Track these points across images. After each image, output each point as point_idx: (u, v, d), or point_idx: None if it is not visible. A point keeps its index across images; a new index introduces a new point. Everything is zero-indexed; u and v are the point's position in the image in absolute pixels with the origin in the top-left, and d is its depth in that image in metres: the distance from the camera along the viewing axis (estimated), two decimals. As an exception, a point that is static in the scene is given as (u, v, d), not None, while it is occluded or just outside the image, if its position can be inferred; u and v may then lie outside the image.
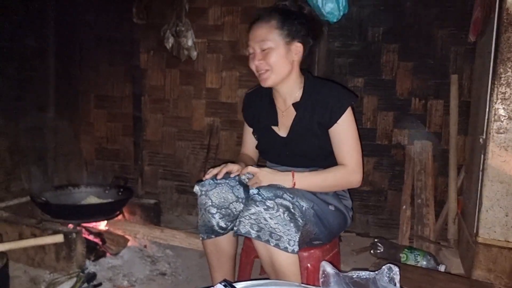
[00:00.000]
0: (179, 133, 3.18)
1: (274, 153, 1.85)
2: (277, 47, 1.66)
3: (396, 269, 1.38)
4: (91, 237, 2.34)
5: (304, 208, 1.54)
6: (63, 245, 2.11)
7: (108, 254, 2.33)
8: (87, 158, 3.39)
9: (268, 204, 1.47)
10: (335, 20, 2.56)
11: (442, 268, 2.24)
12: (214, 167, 1.71)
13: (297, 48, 1.70)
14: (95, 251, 2.27)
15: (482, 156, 1.93)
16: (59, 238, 2.02)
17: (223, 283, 1.39)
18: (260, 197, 1.49)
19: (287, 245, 1.47)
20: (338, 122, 1.67)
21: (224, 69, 3.03)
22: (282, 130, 1.80)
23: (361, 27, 2.77)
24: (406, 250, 2.36)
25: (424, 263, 2.29)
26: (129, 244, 2.47)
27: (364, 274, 1.40)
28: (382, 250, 2.45)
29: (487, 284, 1.81)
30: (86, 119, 3.35)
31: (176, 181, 3.22)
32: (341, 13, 2.54)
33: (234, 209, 1.69)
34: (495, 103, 1.85)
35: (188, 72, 3.10)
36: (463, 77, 2.64)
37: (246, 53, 2.93)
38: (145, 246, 2.50)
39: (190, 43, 2.96)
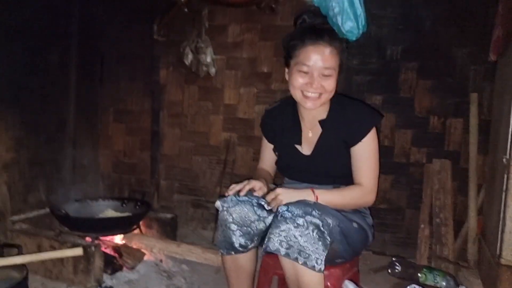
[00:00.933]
0: (196, 148, 3.20)
1: (296, 170, 1.85)
2: (334, 74, 1.66)
3: (420, 290, 1.37)
4: (108, 251, 2.34)
5: (331, 225, 1.53)
6: (82, 258, 2.12)
7: (124, 268, 2.33)
8: (104, 171, 3.41)
9: (298, 222, 1.46)
10: (354, 39, 2.54)
11: (462, 289, 2.20)
12: (236, 182, 1.71)
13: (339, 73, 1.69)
14: (112, 265, 2.28)
15: (506, 176, 1.91)
16: (79, 251, 2.03)
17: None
18: (290, 213, 1.48)
19: (315, 264, 1.46)
20: (362, 141, 1.68)
21: (242, 86, 3.05)
22: (305, 148, 1.80)
23: (379, 46, 2.78)
24: (425, 270, 2.33)
25: (444, 283, 2.25)
26: (145, 258, 2.47)
27: (388, 294, 1.39)
28: (400, 270, 2.41)
29: (511, 307, 1.78)
30: (104, 133, 3.39)
31: (192, 196, 3.23)
32: (360, 32, 2.53)
33: (255, 228, 1.68)
34: (518, 123, 1.83)
35: (206, 88, 3.13)
36: (483, 96, 2.62)
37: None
38: (161, 261, 2.50)
39: (209, 59, 3.00)
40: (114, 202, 2.79)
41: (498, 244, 1.94)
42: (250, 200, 1.67)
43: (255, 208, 1.67)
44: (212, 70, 3.03)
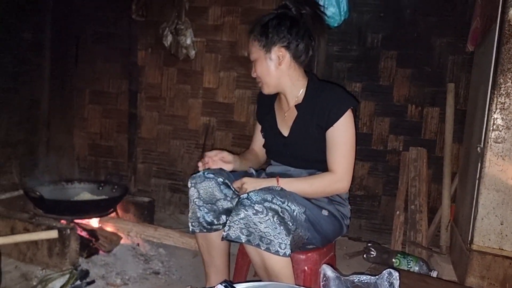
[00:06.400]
0: (174, 132, 3.16)
1: (277, 152, 1.87)
2: (259, 58, 1.71)
3: (396, 274, 1.39)
4: (84, 234, 2.31)
5: (295, 212, 1.53)
6: (57, 241, 2.08)
7: (101, 252, 2.31)
8: (80, 153, 3.35)
9: (256, 208, 1.46)
10: (335, 25, 2.57)
11: (434, 274, 2.25)
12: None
13: (280, 53, 1.69)
14: (88, 248, 2.25)
15: (479, 164, 1.95)
16: (54, 234, 1.99)
17: (223, 284, 1.39)
18: (248, 201, 1.48)
19: (278, 249, 1.47)
20: (334, 125, 1.66)
21: (222, 69, 3.02)
22: (284, 130, 1.82)
23: (360, 33, 2.79)
24: (399, 255, 2.38)
25: (417, 268, 2.30)
26: (121, 242, 2.45)
27: (365, 278, 1.40)
28: (375, 255, 2.45)
29: (480, 291, 1.84)
30: (80, 114, 3.31)
31: (169, 180, 3.20)
32: (342, 18, 2.55)
33: (221, 206, 1.71)
34: (494, 112, 1.87)
35: (185, 71, 3.09)
36: (459, 86, 2.67)
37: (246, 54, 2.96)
38: (138, 244, 2.48)
39: (188, 41, 2.95)
40: (90, 185, 2.74)
41: (470, 231, 1.99)
42: (216, 178, 1.70)
43: (221, 187, 1.70)
44: (192, 53, 2.99)
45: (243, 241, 1.48)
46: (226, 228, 1.51)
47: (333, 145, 1.68)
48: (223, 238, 1.54)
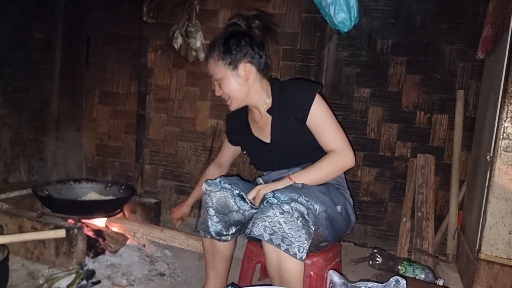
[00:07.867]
0: (182, 134, 3.17)
1: (266, 161, 1.90)
2: (225, 76, 1.75)
3: (403, 282, 1.38)
4: (91, 234, 2.32)
5: (317, 211, 1.55)
6: (64, 240, 2.10)
7: (107, 252, 2.32)
8: (88, 153, 3.36)
9: (284, 208, 1.48)
10: (346, 30, 2.57)
11: (440, 282, 2.24)
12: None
13: (246, 68, 1.75)
14: (94, 248, 2.26)
15: (488, 173, 1.94)
16: (62, 233, 2.01)
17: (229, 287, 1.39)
18: (276, 200, 1.50)
19: (297, 252, 1.48)
20: (310, 112, 1.71)
21: (231, 72, 3.02)
22: (265, 137, 1.86)
23: (370, 38, 2.79)
24: (405, 262, 2.36)
25: (423, 276, 2.29)
26: (128, 242, 2.45)
27: (372, 285, 1.40)
28: (380, 261, 2.45)
29: (487, 300, 1.82)
30: (89, 114, 3.33)
31: (176, 181, 3.21)
32: (352, 24, 2.56)
33: (233, 218, 1.73)
34: (505, 121, 1.86)
35: (194, 73, 3.10)
36: (469, 93, 2.66)
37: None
38: (144, 246, 2.49)
39: (198, 44, 2.97)
40: (98, 185, 2.75)
41: (478, 239, 1.97)
42: (232, 189, 1.72)
43: (236, 198, 1.72)
44: (201, 55, 3.00)
45: (265, 239, 1.49)
46: (250, 225, 1.53)
47: (319, 129, 1.73)
48: (245, 235, 1.58)
